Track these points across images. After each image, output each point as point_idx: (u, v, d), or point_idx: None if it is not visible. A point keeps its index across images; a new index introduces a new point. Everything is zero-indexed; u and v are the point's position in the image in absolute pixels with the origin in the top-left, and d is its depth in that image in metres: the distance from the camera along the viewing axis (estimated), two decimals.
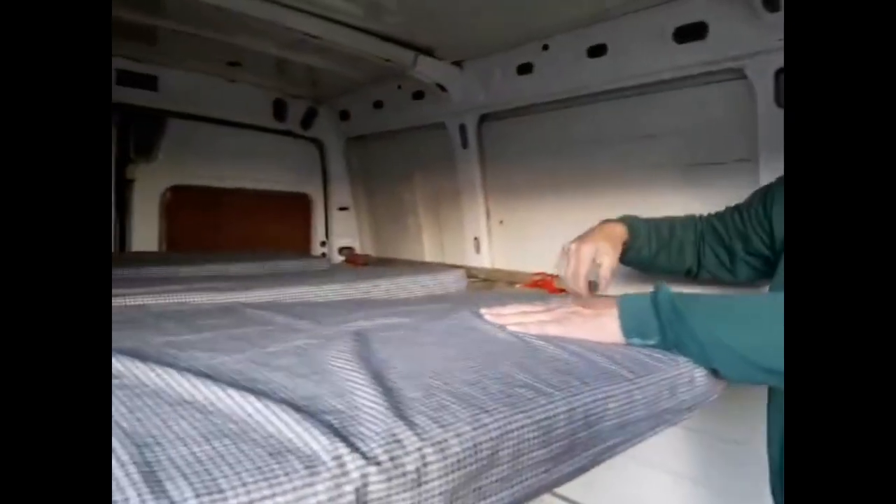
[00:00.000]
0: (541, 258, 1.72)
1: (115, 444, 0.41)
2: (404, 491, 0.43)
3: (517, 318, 0.85)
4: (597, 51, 1.52)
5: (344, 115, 2.54)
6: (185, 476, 0.37)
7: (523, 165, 1.93)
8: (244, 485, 0.38)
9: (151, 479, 0.37)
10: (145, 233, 2.17)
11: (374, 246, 2.77)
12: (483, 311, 0.89)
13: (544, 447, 0.54)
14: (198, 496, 0.35)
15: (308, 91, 2.47)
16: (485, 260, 2.11)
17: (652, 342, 0.75)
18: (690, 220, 1.20)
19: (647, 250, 1.15)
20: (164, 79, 2.12)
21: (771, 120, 1.23)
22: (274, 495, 0.38)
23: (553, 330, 0.81)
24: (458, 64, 1.92)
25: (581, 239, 1.07)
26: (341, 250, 2.75)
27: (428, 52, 1.86)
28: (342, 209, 2.74)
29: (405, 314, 0.92)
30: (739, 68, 1.27)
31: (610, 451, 0.61)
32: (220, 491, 0.37)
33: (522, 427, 0.52)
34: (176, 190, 2.25)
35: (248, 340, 0.73)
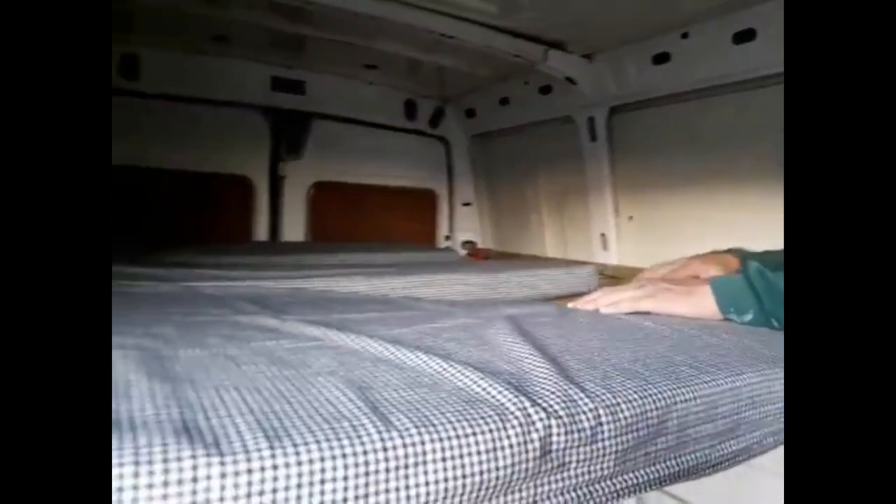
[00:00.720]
0: (675, 257, 1.68)
1: (337, 386, 0.49)
2: (581, 446, 0.47)
3: (608, 299, 0.86)
4: (744, 36, 1.45)
5: (470, 113, 2.62)
6: (402, 412, 0.44)
7: (656, 159, 1.89)
8: (449, 422, 0.44)
9: (377, 412, 0.44)
10: (294, 224, 2.40)
11: (495, 240, 2.83)
12: (571, 304, 0.91)
13: (709, 422, 0.55)
14: (416, 427, 0.42)
15: (437, 91, 2.58)
16: (612, 257, 2.09)
17: (748, 317, 0.79)
18: None
19: None
20: (311, 83, 2.34)
21: None
22: (470, 434, 0.43)
23: (646, 305, 0.83)
24: (587, 56, 1.92)
25: (692, 257, 1.08)
26: (464, 244, 2.84)
27: (558, 45, 1.88)
28: (465, 205, 2.83)
29: (541, 306, 0.97)
30: None
31: (777, 436, 0.60)
32: (431, 425, 0.43)
33: (687, 400, 0.54)
34: (319, 186, 2.46)
35: (413, 319, 0.80)
